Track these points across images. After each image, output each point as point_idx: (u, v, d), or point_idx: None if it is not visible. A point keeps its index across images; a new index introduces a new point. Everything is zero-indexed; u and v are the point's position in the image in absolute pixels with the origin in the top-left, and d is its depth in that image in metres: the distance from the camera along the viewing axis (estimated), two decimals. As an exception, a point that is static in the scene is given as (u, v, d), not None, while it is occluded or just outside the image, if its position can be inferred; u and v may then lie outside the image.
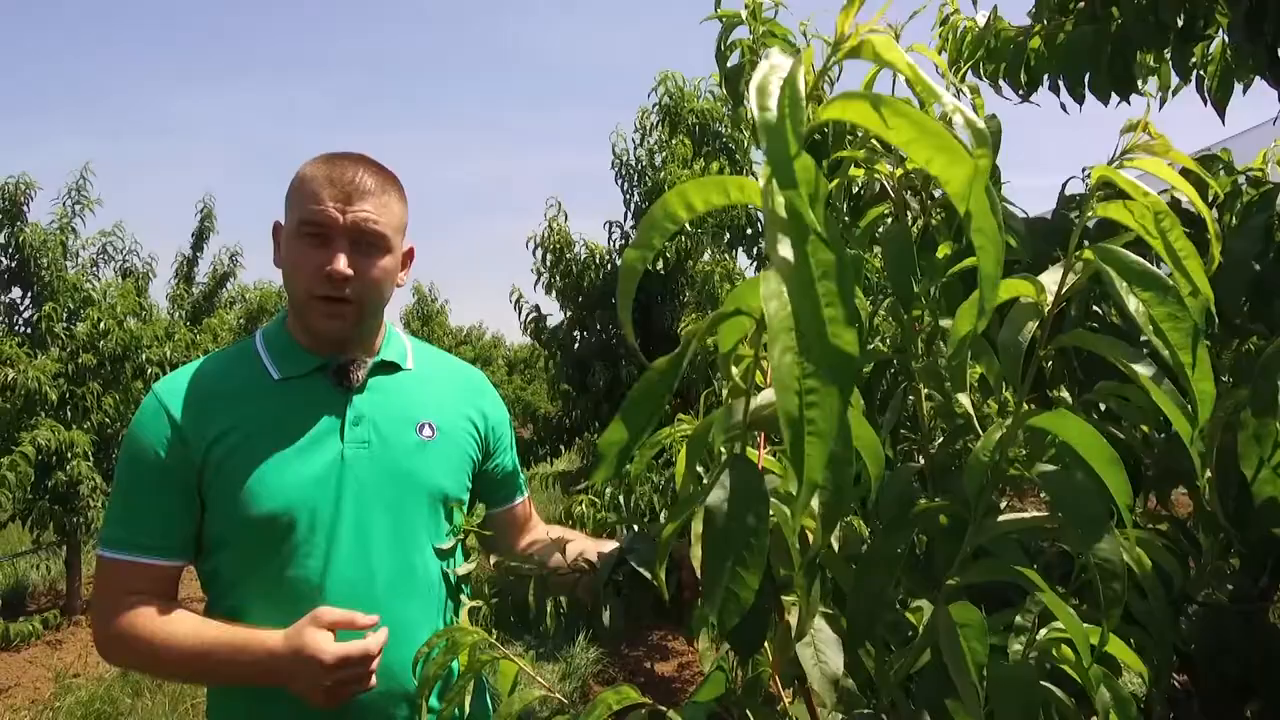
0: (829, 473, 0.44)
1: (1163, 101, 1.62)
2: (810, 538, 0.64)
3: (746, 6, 1.36)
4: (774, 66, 0.37)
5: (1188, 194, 0.53)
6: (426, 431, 1.26)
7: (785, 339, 0.36)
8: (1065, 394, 1.09)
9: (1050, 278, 0.59)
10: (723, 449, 0.55)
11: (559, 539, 1.31)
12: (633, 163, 5.72)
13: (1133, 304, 0.55)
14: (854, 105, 0.40)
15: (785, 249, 0.36)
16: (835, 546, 0.68)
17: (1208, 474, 0.85)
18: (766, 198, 0.36)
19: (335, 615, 1.09)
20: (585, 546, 1.28)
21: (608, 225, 5.83)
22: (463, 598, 1.28)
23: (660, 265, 5.27)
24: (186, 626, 1.13)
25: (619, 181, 5.80)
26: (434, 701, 1.21)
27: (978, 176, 0.38)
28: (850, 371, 0.36)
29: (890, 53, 0.39)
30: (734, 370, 0.53)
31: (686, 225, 5.31)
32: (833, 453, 0.44)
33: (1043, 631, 0.70)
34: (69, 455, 5.13)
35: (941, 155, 0.38)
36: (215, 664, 1.11)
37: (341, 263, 1.16)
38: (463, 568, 1.28)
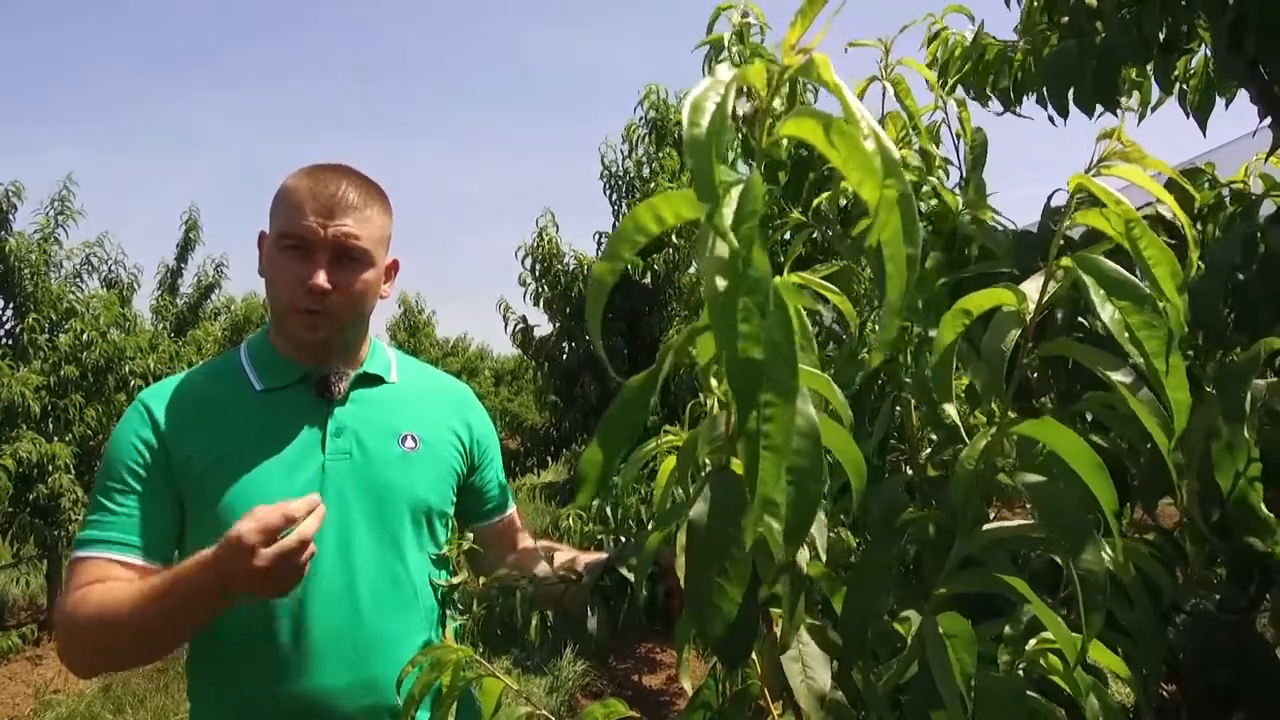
0: (793, 488, 0.44)
1: (1141, 116, 1.64)
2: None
3: (733, 28, 1.37)
4: (714, 83, 0.38)
5: (1167, 202, 0.53)
6: (409, 443, 1.26)
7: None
8: (1048, 403, 1.09)
9: (1031, 286, 0.60)
10: (707, 461, 0.54)
11: (546, 550, 1.30)
12: (621, 174, 5.74)
13: (1108, 312, 0.55)
14: (805, 123, 0.41)
15: (713, 270, 0.37)
16: (823, 558, 0.68)
17: (1185, 484, 0.86)
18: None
19: (266, 509, 1.01)
20: (573, 557, 1.27)
21: (597, 236, 5.84)
22: (450, 612, 1.27)
23: (649, 278, 5.28)
24: (130, 586, 1.09)
25: (607, 193, 5.82)
26: (422, 717, 1.20)
27: (884, 205, 0.39)
28: (755, 383, 0.37)
29: (826, 74, 0.40)
30: (713, 383, 0.53)
31: (674, 238, 5.35)
32: (798, 466, 0.44)
33: (1031, 641, 0.69)
34: (50, 468, 5.07)
35: (870, 179, 0.39)
36: (162, 605, 1.05)
37: (321, 278, 1.15)
38: (450, 581, 1.27)
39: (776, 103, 0.45)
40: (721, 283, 0.37)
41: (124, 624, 1.07)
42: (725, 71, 0.39)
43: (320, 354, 1.23)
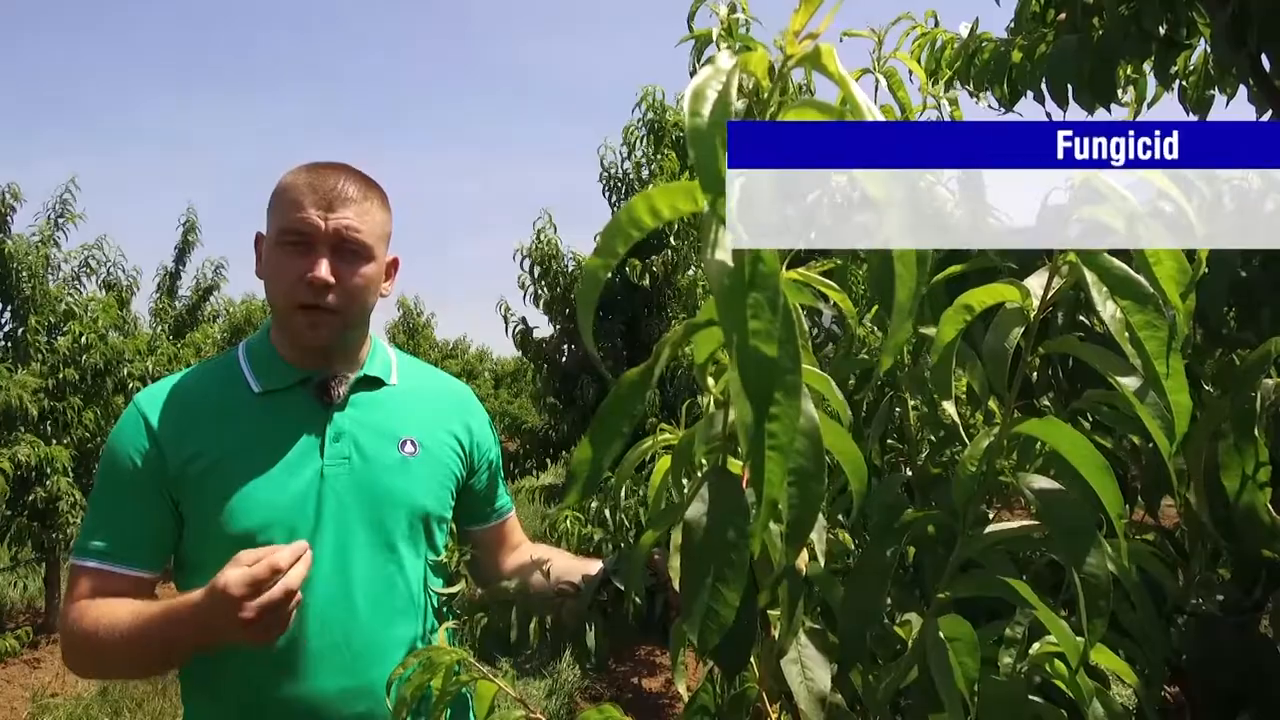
0: (794, 489, 0.43)
1: (1136, 112, 1.63)
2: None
3: (721, 24, 1.35)
4: (716, 70, 0.37)
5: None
6: (408, 448, 1.24)
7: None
8: (1048, 404, 1.08)
9: (1036, 282, 0.58)
10: (703, 461, 0.53)
11: (542, 560, 1.28)
12: (620, 176, 5.73)
13: (1109, 310, 0.54)
14: (808, 113, 0.40)
15: (718, 256, 0.36)
16: (821, 561, 0.67)
17: (1191, 485, 0.84)
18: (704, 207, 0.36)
19: (255, 552, 1.01)
20: (569, 567, 1.26)
21: (597, 238, 5.83)
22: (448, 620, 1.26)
23: (647, 280, 5.27)
24: (127, 608, 1.09)
25: (606, 195, 5.81)
26: (413, 721, 1.19)
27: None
28: (769, 380, 0.36)
29: (831, 64, 0.39)
30: (710, 381, 0.52)
31: (673, 240, 5.33)
32: (800, 467, 0.43)
33: (1034, 645, 0.68)
34: (49, 471, 5.05)
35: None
36: (155, 636, 1.06)
37: (323, 269, 1.14)
38: (448, 590, 1.26)
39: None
40: (729, 277, 0.35)
41: (119, 647, 1.08)
42: (726, 59, 0.38)
43: (321, 357, 1.21)
